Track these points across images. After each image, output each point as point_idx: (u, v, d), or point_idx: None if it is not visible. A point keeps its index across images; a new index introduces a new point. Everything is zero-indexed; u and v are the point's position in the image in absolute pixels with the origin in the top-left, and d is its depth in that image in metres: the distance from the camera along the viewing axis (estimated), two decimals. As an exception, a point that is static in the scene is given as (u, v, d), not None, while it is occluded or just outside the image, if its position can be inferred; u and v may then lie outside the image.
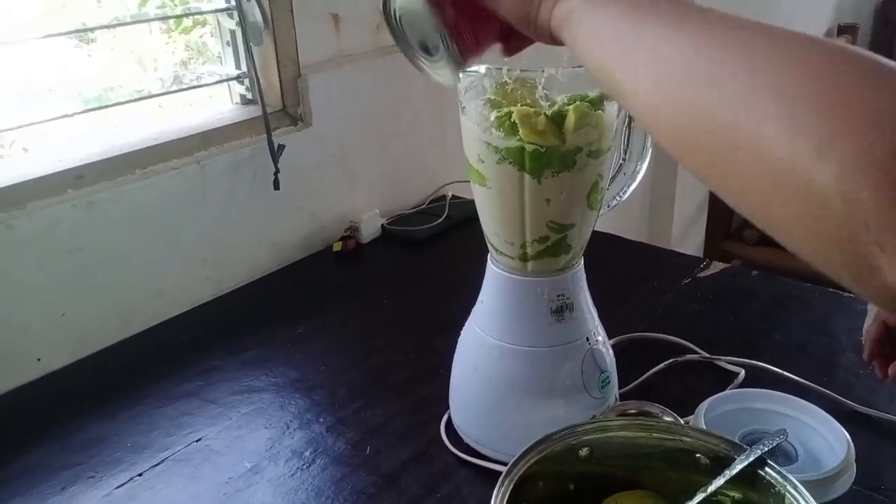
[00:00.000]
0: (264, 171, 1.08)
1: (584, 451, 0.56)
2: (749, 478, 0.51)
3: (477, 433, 0.74)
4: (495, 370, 0.71)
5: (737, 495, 0.52)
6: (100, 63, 1.13)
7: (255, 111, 1.09)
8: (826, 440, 0.67)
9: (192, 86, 1.13)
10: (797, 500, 0.49)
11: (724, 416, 0.70)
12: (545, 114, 0.61)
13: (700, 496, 0.51)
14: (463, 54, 0.50)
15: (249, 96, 1.13)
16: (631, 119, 0.69)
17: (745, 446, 0.53)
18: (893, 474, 0.70)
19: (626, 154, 0.72)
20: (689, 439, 0.55)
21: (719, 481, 0.51)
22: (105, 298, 0.95)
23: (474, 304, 0.73)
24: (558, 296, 0.69)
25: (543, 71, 0.62)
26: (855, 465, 0.64)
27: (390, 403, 0.83)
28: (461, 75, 0.58)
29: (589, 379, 0.71)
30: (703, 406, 0.70)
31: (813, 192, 0.28)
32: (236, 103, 1.14)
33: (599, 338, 0.73)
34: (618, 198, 0.74)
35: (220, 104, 1.15)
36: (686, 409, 0.70)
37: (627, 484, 0.56)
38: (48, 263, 0.89)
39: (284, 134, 1.12)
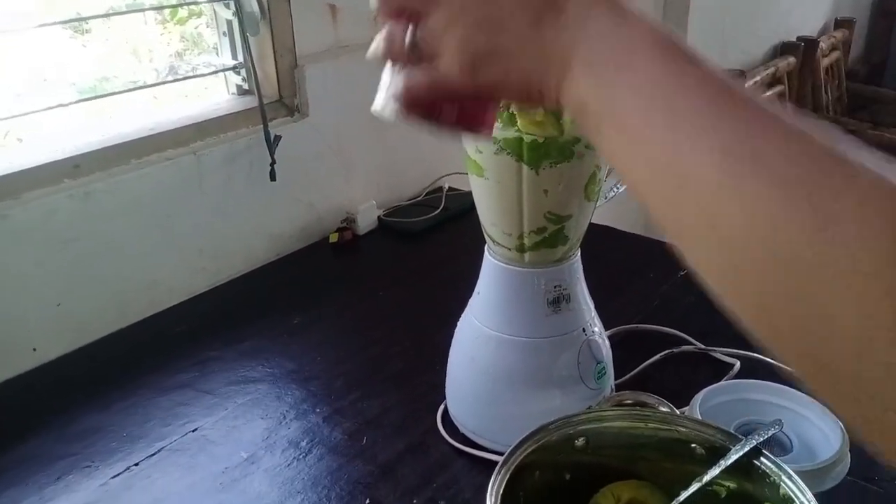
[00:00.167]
0: (261, 161, 1.08)
1: (580, 441, 0.56)
2: (744, 468, 0.52)
3: (473, 423, 0.74)
4: (492, 361, 0.71)
5: (732, 485, 0.53)
6: (95, 53, 1.12)
7: (251, 102, 1.09)
8: (821, 431, 0.67)
9: (188, 76, 1.13)
10: (792, 490, 0.49)
11: (719, 406, 0.70)
12: (543, 104, 0.60)
13: (695, 486, 0.51)
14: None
15: (246, 87, 1.13)
16: None
17: (740, 437, 0.53)
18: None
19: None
20: (684, 429, 0.55)
21: (714, 471, 0.51)
22: (101, 289, 0.95)
23: (471, 295, 0.73)
24: (555, 287, 0.69)
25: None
26: (849, 456, 0.64)
27: (387, 394, 0.83)
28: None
29: (585, 369, 0.71)
30: (699, 397, 0.70)
31: None
32: (232, 94, 1.14)
33: (596, 329, 0.73)
34: (615, 189, 0.74)
35: (216, 95, 1.14)
36: (682, 399, 0.70)
37: (623, 474, 0.57)
38: (44, 254, 0.89)
39: (281, 125, 1.11)
